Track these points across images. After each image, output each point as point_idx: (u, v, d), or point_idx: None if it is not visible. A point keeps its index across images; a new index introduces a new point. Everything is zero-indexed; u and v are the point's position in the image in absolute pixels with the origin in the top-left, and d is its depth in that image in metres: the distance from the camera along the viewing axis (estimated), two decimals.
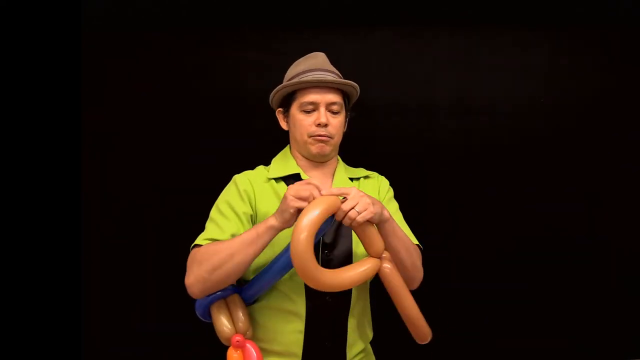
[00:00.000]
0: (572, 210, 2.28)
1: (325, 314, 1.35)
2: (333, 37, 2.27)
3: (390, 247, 1.31)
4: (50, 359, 2.11)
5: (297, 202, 1.20)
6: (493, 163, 2.28)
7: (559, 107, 2.30)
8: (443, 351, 2.25)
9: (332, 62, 1.53)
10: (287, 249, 1.26)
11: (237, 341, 1.31)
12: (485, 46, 2.30)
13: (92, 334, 2.22)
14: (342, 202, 1.22)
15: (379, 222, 1.27)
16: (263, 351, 1.38)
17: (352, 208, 1.20)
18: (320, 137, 1.39)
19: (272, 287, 1.37)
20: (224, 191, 1.47)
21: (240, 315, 1.34)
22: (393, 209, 1.49)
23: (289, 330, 1.35)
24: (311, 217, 1.14)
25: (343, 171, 1.52)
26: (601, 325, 2.27)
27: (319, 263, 1.35)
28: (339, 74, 1.48)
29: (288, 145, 1.53)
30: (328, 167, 1.48)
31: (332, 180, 1.48)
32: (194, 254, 1.33)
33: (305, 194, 1.20)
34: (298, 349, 1.35)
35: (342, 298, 1.37)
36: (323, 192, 1.23)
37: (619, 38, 2.29)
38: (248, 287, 1.37)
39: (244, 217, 1.37)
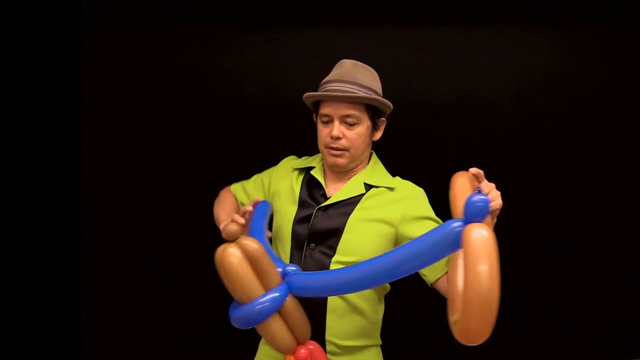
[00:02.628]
0: (573, 209, 2.28)
1: (304, 306, 1.33)
2: (333, 36, 2.27)
3: None
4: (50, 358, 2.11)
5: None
6: (493, 163, 2.27)
7: (559, 107, 2.30)
8: (445, 351, 2.25)
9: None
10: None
11: (303, 354, 1.15)
12: (485, 46, 2.30)
13: (92, 335, 2.22)
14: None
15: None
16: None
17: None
18: (333, 150, 1.42)
19: None
20: None
21: (298, 319, 1.18)
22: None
23: None
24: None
25: (363, 176, 1.51)
26: (601, 325, 2.27)
27: (302, 258, 1.39)
28: (366, 84, 1.45)
29: None
30: (347, 173, 1.51)
31: (344, 184, 1.50)
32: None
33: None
34: None
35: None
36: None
37: (619, 38, 2.28)
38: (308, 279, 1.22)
39: (259, 181, 1.65)
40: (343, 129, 1.40)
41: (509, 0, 2.28)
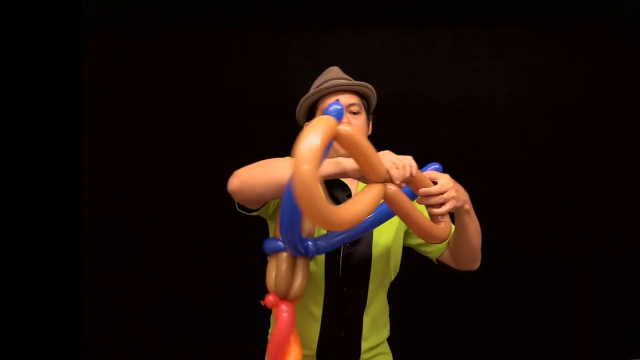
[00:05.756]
0: (572, 210, 2.28)
1: (342, 305, 1.40)
2: (333, 37, 2.27)
3: (462, 236, 1.37)
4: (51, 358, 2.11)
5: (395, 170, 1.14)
6: (493, 163, 2.28)
7: (558, 107, 2.30)
8: (449, 350, 2.25)
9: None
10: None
11: (270, 300, 1.27)
12: (485, 46, 2.31)
13: (92, 335, 2.22)
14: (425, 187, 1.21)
15: (458, 212, 1.32)
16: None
17: (437, 195, 1.21)
18: None
19: None
20: None
21: (283, 274, 1.26)
22: None
23: (306, 317, 1.40)
24: (312, 145, 0.91)
25: None
26: (601, 326, 2.27)
27: (339, 257, 1.40)
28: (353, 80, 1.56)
29: None
30: None
31: (357, 181, 1.50)
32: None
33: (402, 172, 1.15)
34: (314, 336, 1.40)
35: (360, 290, 1.42)
36: (414, 172, 1.19)
37: (618, 38, 2.29)
38: (326, 236, 1.29)
39: None
40: (350, 117, 1.46)
41: (510, 1, 2.28)
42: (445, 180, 1.24)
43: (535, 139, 2.29)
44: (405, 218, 1.22)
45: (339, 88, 1.47)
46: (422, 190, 1.21)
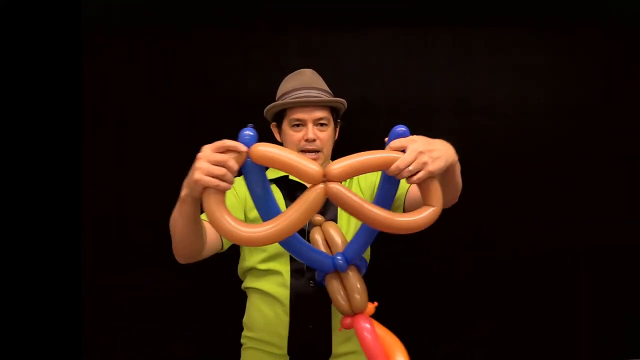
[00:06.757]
0: (572, 210, 2.28)
1: (309, 297, 1.42)
2: (333, 37, 2.27)
3: (452, 183, 1.37)
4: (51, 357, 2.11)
5: (205, 179, 1.07)
6: (492, 163, 2.28)
7: (558, 107, 2.30)
8: (449, 350, 2.25)
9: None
10: None
11: (347, 323, 1.30)
12: (485, 46, 2.31)
13: (92, 335, 2.22)
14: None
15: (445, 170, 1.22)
16: (251, 340, 1.50)
17: (406, 167, 1.09)
18: (308, 152, 1.46)
19: (261, 275, 1.48)
20: None
21: (340, 295, 1.31)
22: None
23: (275, 314, 1.44)
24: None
25: None
26: (601, 326, 2.27)
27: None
28: (326, 89, 1.54)
29: None
30: None
31: None
32: None
33: (218, 172, 1.05)
34: (284, 332, 1.42)
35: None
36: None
37: (619, 38, 2.29)
38: (348, 250, 1.30)
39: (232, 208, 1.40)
40: (316, 131, 1.47)
41: (510, 1, 2.28)
42: (413, 147, 1.12)
43: (535, 139, 2.29)
44: (357, 214, 1.09)
45: (309, 104, 1.47)
46: (390, 169, 1.09)
